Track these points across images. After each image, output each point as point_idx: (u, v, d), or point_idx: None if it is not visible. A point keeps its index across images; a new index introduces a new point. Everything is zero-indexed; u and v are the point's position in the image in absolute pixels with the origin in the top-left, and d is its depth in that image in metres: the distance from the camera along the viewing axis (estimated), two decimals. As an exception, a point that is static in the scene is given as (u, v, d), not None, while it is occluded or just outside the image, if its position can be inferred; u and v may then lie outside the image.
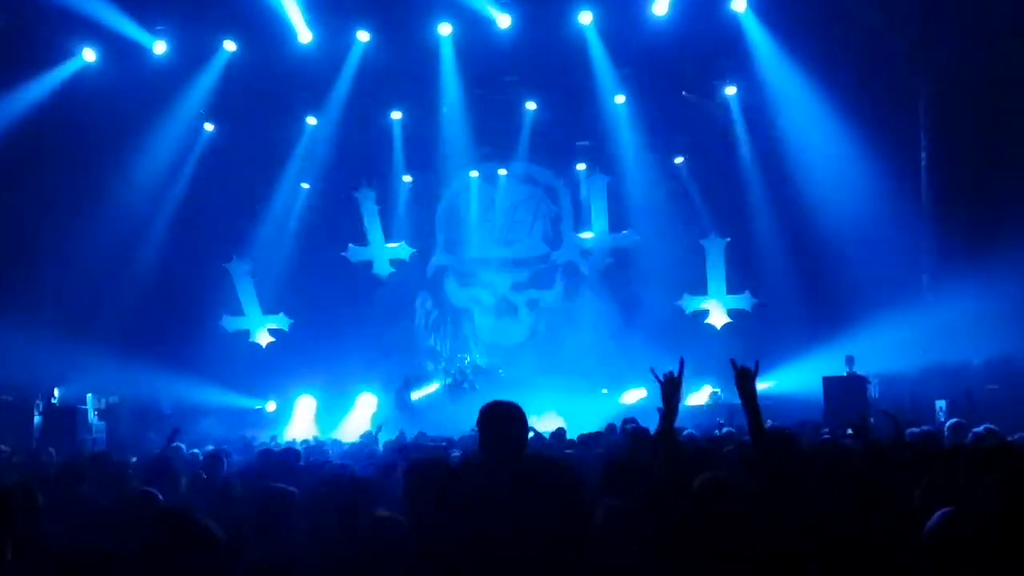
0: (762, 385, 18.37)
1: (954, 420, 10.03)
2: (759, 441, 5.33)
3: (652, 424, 11.02)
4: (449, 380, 22.48)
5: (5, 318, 18.52)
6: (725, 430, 10.34)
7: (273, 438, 16.82)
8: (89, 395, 19.11)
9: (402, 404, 21.74)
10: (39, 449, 12.30)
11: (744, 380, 5.31)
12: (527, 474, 4.72)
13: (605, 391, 21.79)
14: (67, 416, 17.76)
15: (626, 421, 11.68)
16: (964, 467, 5.17)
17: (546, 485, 4.70)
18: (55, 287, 19.19)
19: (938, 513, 4.66)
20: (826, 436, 9.83)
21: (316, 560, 4.65)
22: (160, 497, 5.84)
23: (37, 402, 18.07)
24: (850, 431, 8.16)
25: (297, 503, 5.31)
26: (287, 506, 5.27)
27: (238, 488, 7.34)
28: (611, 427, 12.31)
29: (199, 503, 5.46)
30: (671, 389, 5.41)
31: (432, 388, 22.73)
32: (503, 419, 4.82)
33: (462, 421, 17.85)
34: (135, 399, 20.38)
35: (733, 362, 5.43)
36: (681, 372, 5.54)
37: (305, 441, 15.24)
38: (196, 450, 11.44)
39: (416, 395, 22.46)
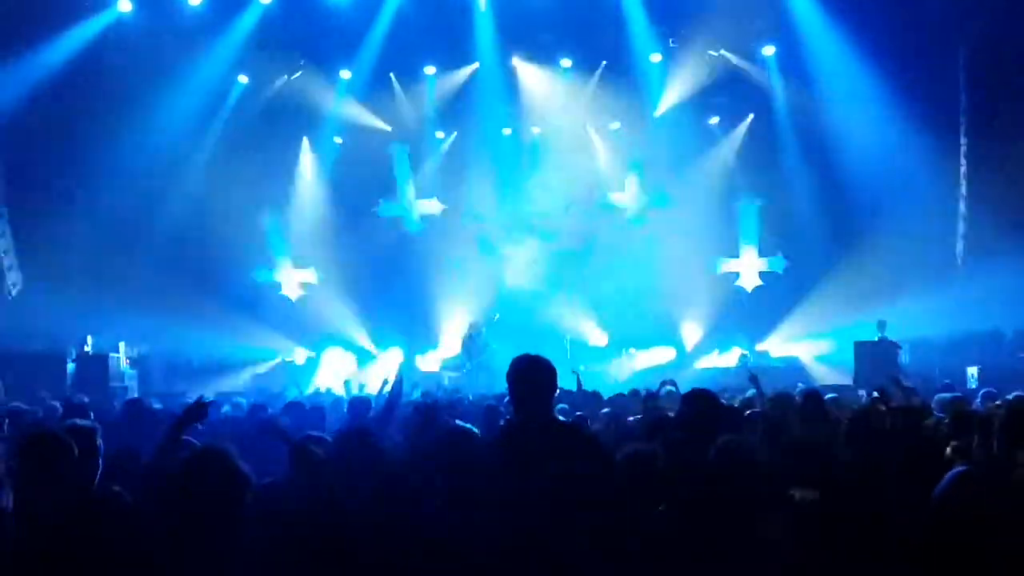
0: (789, 349, 18.46)
1: (986, 389, 10.01)
2: None
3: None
4: (468, 337, 22.32)
5: (40, 267, 18.76)
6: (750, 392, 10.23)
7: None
8: (121, 343, 19.29)
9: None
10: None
11: None
12: (557, 435, 4.81)
13: (632, 351, 21.81)
14: (99, 364, 17.94)
15: (664, 383, 11.68)
16: (999, 431, 5.14)
17: (574, 445, 4.79)
18: (89, 237, 19.29)
19: (950, 473, 4.65)
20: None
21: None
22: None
23: (70, 350, 18.26)
24: (875, 394, 8.12)
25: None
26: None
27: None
28: (635, 392, 12.01)
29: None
30: None
31: (458, 346, 22.68)
32: (532, 376, 4.88)
33: (482, 378, 18.09)
34: (166, 349, 20.57)
35: None
36: None
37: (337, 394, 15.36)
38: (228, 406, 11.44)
39: (437, 355, 22.50)
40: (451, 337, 22.71)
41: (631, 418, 8.22)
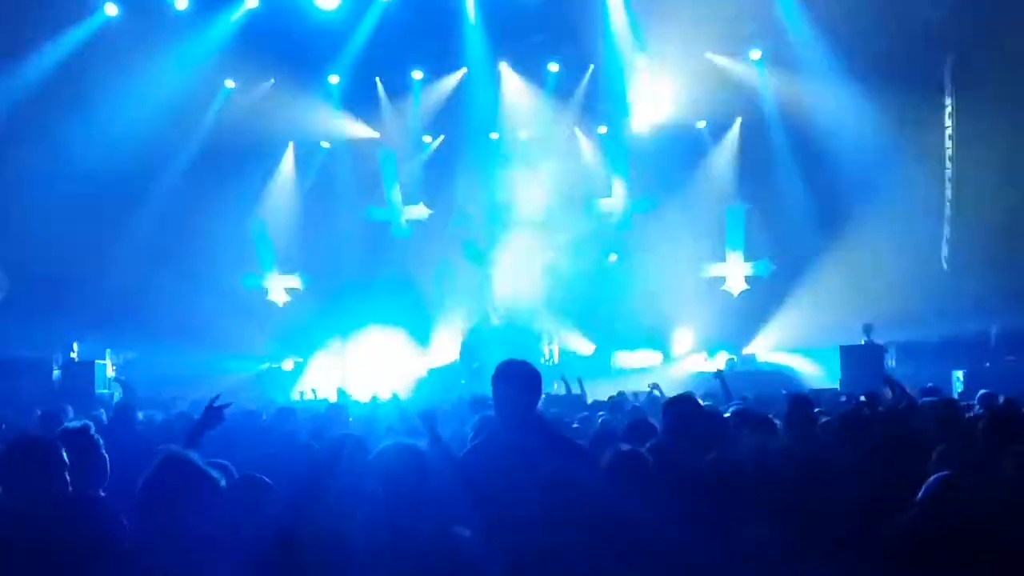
0: (776, 354, 18.44)
1: (983, 392, 9.98)
2: None
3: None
4: (465, 344, 22.28)
5: (27, 274, 18.68)
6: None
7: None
8: (107, 350, 19.20)
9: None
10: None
11: None
12: (541, 438, 4.81)
13: (620, 356, 21.80)
14: (85, 371, 17.84)
15: (651, 386, 11.67)
16: (983, 434, 5.16)
17: (559, 447, 4.80)
18: (74, 242, 19.21)
19: (934, 477, 4.66)
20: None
21: None
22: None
23: (56, 356, 18.17)
24: (863, 398, 8.13)
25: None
26: None
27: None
28: (622, 395, 11.96)
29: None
30: None
31: (450, 352, 22.62)
32: (517, 380, 4.89)
33: (475, 384, 17.98)
34: (152, 355, 20.47)
35: None
36: None
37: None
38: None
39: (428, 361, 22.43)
40: (442, 343, 22.69)
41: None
